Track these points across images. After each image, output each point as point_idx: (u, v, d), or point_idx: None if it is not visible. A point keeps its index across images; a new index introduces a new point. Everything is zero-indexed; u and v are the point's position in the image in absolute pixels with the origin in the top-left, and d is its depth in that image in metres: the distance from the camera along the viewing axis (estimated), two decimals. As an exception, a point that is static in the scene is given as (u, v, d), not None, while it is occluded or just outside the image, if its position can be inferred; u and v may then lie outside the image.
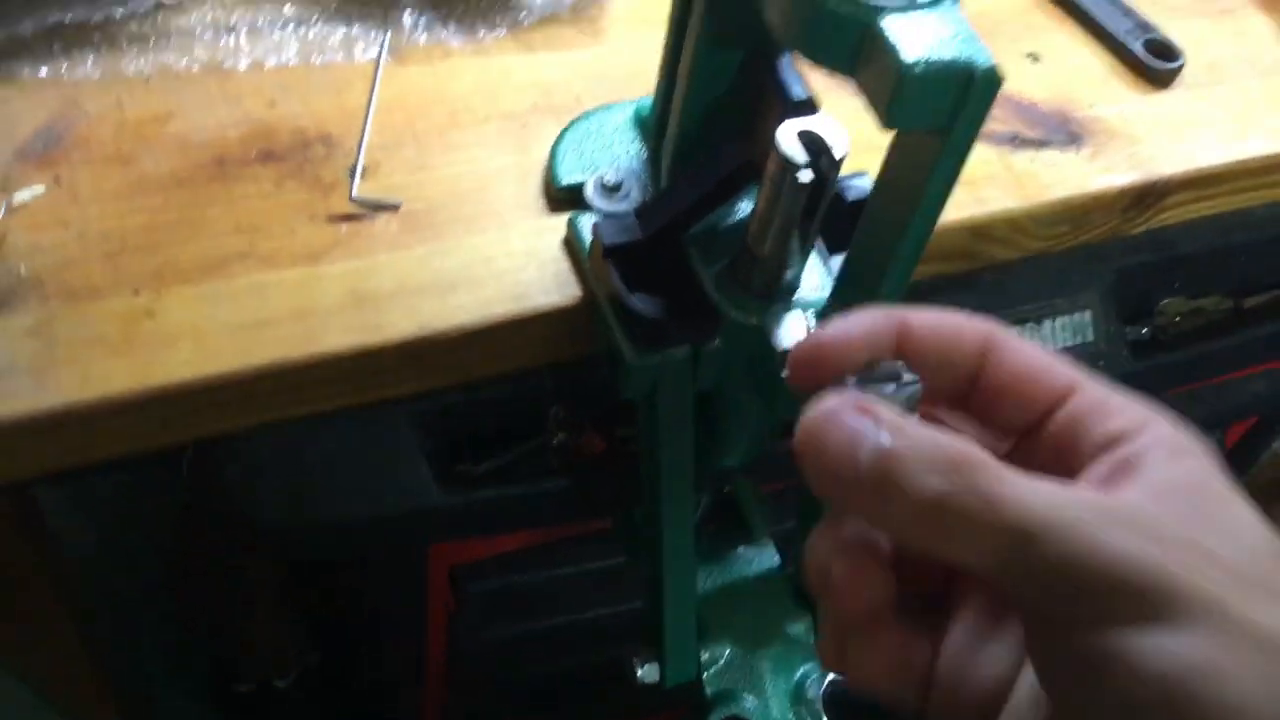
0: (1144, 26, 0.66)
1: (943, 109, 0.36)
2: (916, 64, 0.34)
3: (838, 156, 0.43)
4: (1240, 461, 1.13)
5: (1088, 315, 0.77)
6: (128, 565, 0.78)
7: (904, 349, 0.34)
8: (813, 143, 0.43)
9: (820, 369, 0.34)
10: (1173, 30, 0.67)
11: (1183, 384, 0.87)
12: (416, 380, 0.51)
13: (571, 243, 0.53)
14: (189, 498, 0.70)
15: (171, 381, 0.46)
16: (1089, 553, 0.28)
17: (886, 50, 0.35)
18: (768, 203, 0.45)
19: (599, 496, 0.72)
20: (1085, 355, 0.78)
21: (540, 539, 0.79)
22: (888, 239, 0.42)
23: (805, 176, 0.42)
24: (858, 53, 0.36)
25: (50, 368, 0.45)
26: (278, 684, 0.87)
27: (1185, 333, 0.84)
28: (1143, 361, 0.81)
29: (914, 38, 0.35)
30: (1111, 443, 0.33)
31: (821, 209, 0.45)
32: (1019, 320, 0.76)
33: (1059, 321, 0.77)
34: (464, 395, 0.67)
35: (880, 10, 0.35)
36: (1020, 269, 0.64)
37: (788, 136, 0.43)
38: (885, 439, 0.30)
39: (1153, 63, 0.65)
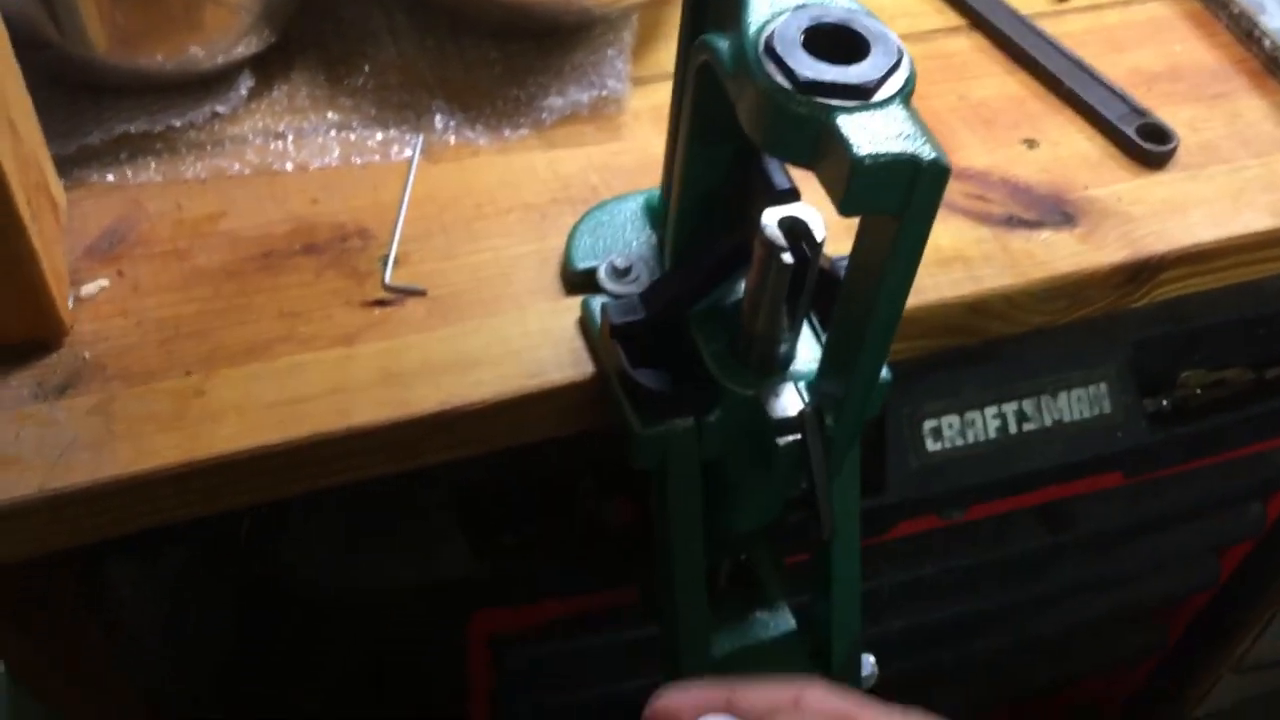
0: (1138, 112, 0.70)
1: (895, 196, 0.39)
2: (867, 157, 0.38)
3: (818, 239, 0.47)
4: (1285, 536, 1.12)
5: (1104, 387, 0.80)
6: (193, 638, 0.82)
7: (733, 709, 0.45)
8: (794, 228, 0.47)
9: None
10: (1167, 114, 0.70)
11: (1206, 455, 0.88)
12: (444, 451, 0.56)
13: (585, 322, 0.57)
14: (247, 573, 0.74)
15: (217, 453, 0.51)
16: None
17: (841, 144, 0.39)
18: (757, 283, 0.49)
19: (628, 564, 0.76)
20: (1102, 427, 0.80)
21: (579, 608, 0.82)
22: (861, 315, 0.45)
23: (788, 259, 0.46)
24: (816, 148, 0.40)
25: (109, 442, 0.50)
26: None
27: (1206, 404, 0.86)
28: (1161, 433, 0.83)
29: (865, 134, 0.39)
30: None
31: (807, 288, 0.48)
32: (1035, 392, 0.79)
33: (1074, 394, 0.79)
34: (497, 467, 0.71)
35: (835, 110, 0.39)
36: (1037, 341, 0.67)
37: (770, 223, 0.47)
38: None
39: (1146, 146, 0.68)
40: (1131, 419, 0.81)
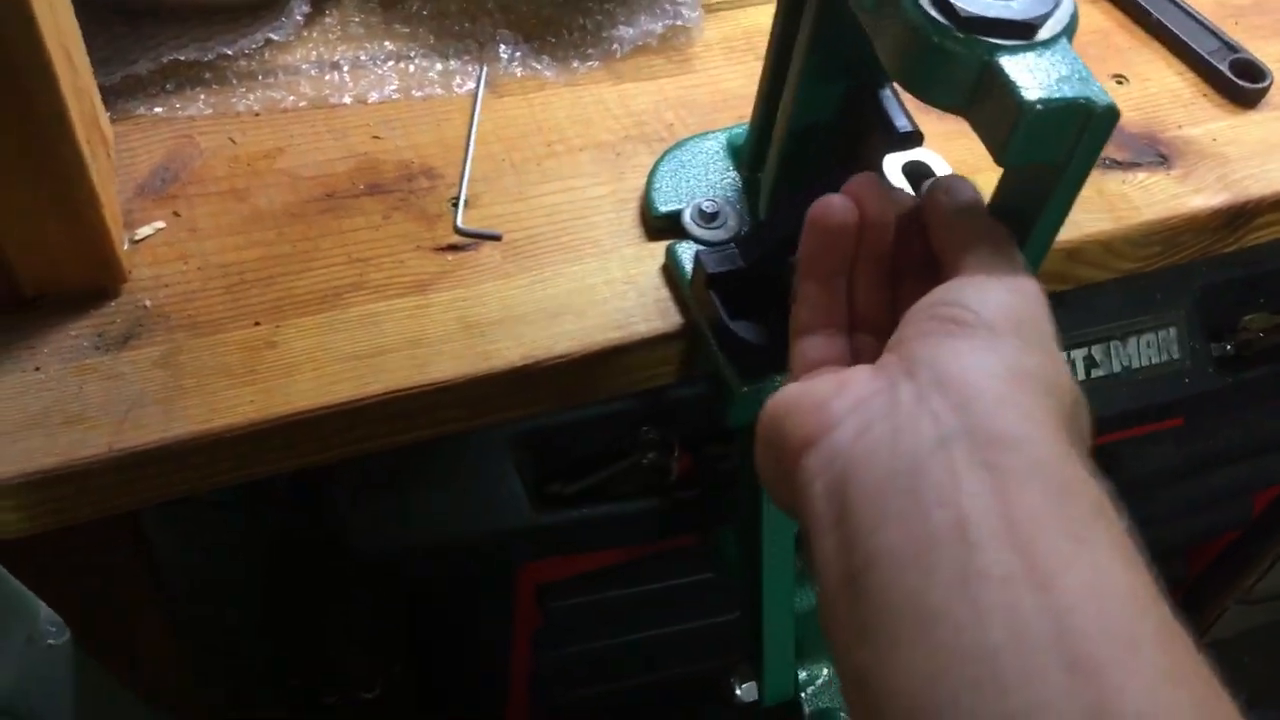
0: (1230, 47, 0.66)
1: (1061, 145, 0.36)
2: (1038, 102, 0.35)
3: None
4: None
5: (1173, 332, 0.77)
6: (227, 588, 0.80)
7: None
8: (917, 174, 0.44)
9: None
10: (1257, 49, 0.67)
11: (1268, 399, 0.87)
12: (524, 405, 0.53)
13: (670, 270, 0.54)
14: (286, 523, 0.72)
15: (295, 410, 0.48)
16: None
17: (1006, 89, 0.35)
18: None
19: (689, 515, 0.73)
20: (1171, 373, 0.78)
21: (626, 557, 0.80)
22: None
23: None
24: (974, 92, 0.37)
25: (178, 397, 0.47)
26: (365, 696, 0.88)
27: (1268, 348, 0.84)
28: (1227, 377, 0.81)
29: (1033, 76, 0.35)
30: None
31: None
32: (1105, 338, 0.76)
33: (1144, 339, 0.77)
34: (558, 417, 0.68)
35: (998, 49, 0.36)
36: (1106, 287, 0.65)
37: (892, 172, 0.43)
38: None
39: (1241, 83, 0.65)
40: (1199, 364, 0.79)
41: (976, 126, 0.38)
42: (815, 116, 0.48)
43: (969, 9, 0.36)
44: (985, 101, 0.37)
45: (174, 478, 0.48)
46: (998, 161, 0.37)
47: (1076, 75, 0.36)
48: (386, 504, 0.66)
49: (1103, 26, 0.68)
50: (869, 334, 0.41)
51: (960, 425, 0.32)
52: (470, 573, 0.74)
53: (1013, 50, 0.36)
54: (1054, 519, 0.31)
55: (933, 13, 0.37)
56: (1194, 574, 1.33)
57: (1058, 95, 0.35)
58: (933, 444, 0.32)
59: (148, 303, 0.50)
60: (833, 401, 0.36)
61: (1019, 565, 0.30)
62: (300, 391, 0.48)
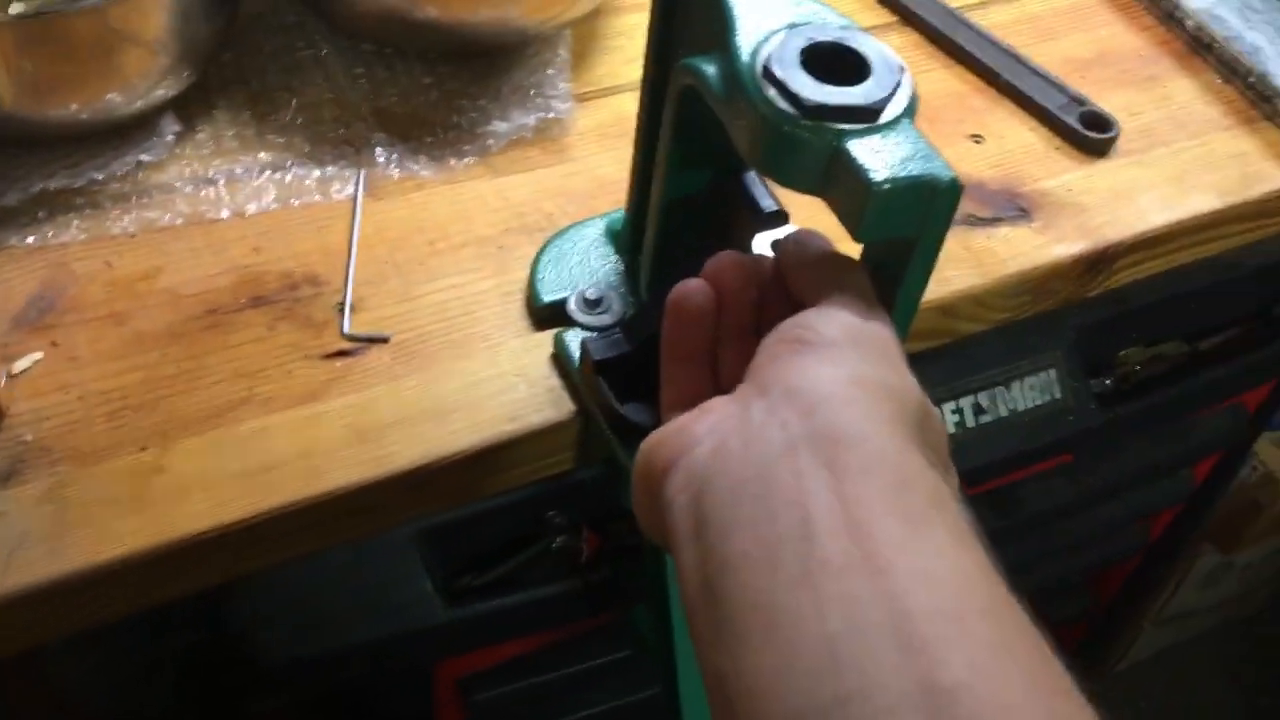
0: (1077, 100, 0.70)
1: (911, 220, 0.38)
2: (885, 182, 0.37)
3: None
4: (1212, 493, 1.16)
5: (1052, 374, 0.80)
6: (136, 708, 0.77)
7: None
8: None
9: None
10: (1103, 100, 0.71)
11: (1151, 428, 0.90)
12: (422, 506, 0.53)
13: (559, 358, 0.55)
14: (192, 640, 0.70)
15: (186, 534, 0.47)
16: None
17: (855, 171, 0.37)
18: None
19: (603, 594, 0.74)
20: (1055, 412, 0.81)
21: (546, 641, 0.79)
22: (868, 338, 0.44)
23: None
24: (826, 175, 0.38)
25: (65, 532, 0.46)
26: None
27: (1147, 379, 0.87)
28: (1110, 411, 0.84)
29: (879, 158, 0.37)
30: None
31: None
32: (988, 385, 0.79)
33: (1026, 382, 0.80)
34: (463, 510, 0.68)
35: (845, 134, 0.38)
36: (984, 336, 0.67)
37: (763, 249, 0.45)
38: None
39: (1089, 134, 0.68)
40: (1081, 401, 0.82)
41: (833, 206, 0.39)
42: (685, 200, 0.50)
43: (814, 98, 0.38)
44: (837, 184, 0.38)
45: (67, 615, 0.47)
46: (854, 239, 0.39)
47: (919, 154, 0.37)
48: (291, 612, 0.65)
49: (958, 90, 0.71)
50: None
51: (805, 429, 0.34)
52: (385, 675, 0.73)
53: (859, 134, 0.38)
54: (891, 509, 0.33)
55: (780, 103, 0.38)
56: (1104, 601, 1.37)
57: (903, 174, 0.37)
58: (780, 449, 0.34)
59: (28, 437, 0.49)
60: (693, 425, 0.38)
61: (857, 554, 0.31)
62: (190, 515, 0.47)
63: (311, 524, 0.50)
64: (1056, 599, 1.22)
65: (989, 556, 0.33)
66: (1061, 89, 0.71)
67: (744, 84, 0.39)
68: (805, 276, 0.41)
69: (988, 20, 0.75)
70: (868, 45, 0.40)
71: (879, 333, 0.39)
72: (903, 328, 0.43)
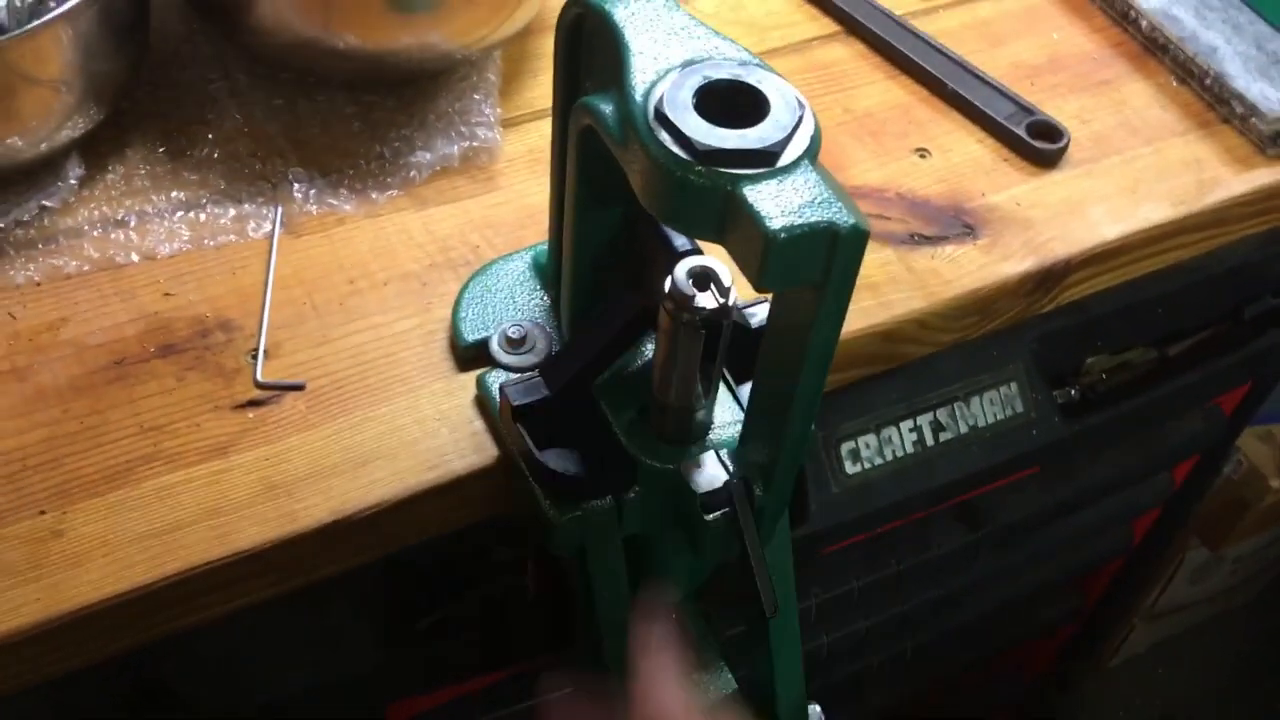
0: (1026, 110, 0.68)
1: (814, 267, 0.36)
2: (781, 231, 0.35)
3: (729, 298, 0.43)
4: (1191, 496, 1.14)
5: (1014, 387, 0.78)
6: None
7: None
8: (702, 279, 0.43)
9: None
10: (1054, 108, 0.68)
11: (1118, 438, 0.88)
12: (338, 562, 0.51)
13: (483, 401, 0.53)
14: (131, 697, 0.68)
15: (84, 603, 0.45)
16: None
17: (751, 219, 0.35)
18: (667, 354, 0.45)
19: (552, 627, 0.72)
20: (1017, 426, 0.78)
21: (497, 678, 0.77)
22: (785, 381, 0.42)
23: (702, 309, 0.42)
24: (723, 221, 0.36)
25: (-45, 606, 0.44)
26: None
27: (1114, 388, 0.85)
28: (1075, 424, 0.82)
29: (776, 204, 0.35)
30: None
31: (722, 348, 0.45)
32: (948, 400, 0.77)
33: (987, 396, 0.77)
34: (403, 551, 0.66)
35: (740, 180, 0.36)
36: (944, 352, 0.65)
37: (677, 280, 0.43)
38: None
39: (1038, 144, 0.66)
40: (1044, 414, 0.79)
41: (733, 255, 0.37)
42: (599, 238, 0.48)
43: (706, 142, 0.36)
44: (735, 231, 0.36)
45: (-41, 691, 0.45)
46: (755, 288, 0.37)
47: (819, 199, 0.35)
48: (226, 665, 0.63)
49: (903, 101, 0.69)
50: None
51: None
52: (331, 720, 0.71)
53: (754, 180, 0.36)
54: None
55: (673, 148, 0.36)
56: (1094, 599, 1.35)
57: (801, 221, 0.35)
58: None
59: (-80, 504, 0.47)
60: None
61: None
62: (89, 582, 0.45)
63: (220, 585, 0.48)
64: (1045, 601, 1.21)
65: None
66: (1010, 98, 0.68)
67: (637, 128, 0.37)
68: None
69: (935, 26, 0.73)
70: (767, 82, 0.38)
71: None
72: (819, 377, 0.41)
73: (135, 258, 0.56)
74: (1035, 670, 1.45)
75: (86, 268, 0.55)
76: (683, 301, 0.42)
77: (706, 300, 0.42)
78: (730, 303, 0.42)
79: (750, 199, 0.35)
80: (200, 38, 0.64)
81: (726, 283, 0.43)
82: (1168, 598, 1.52)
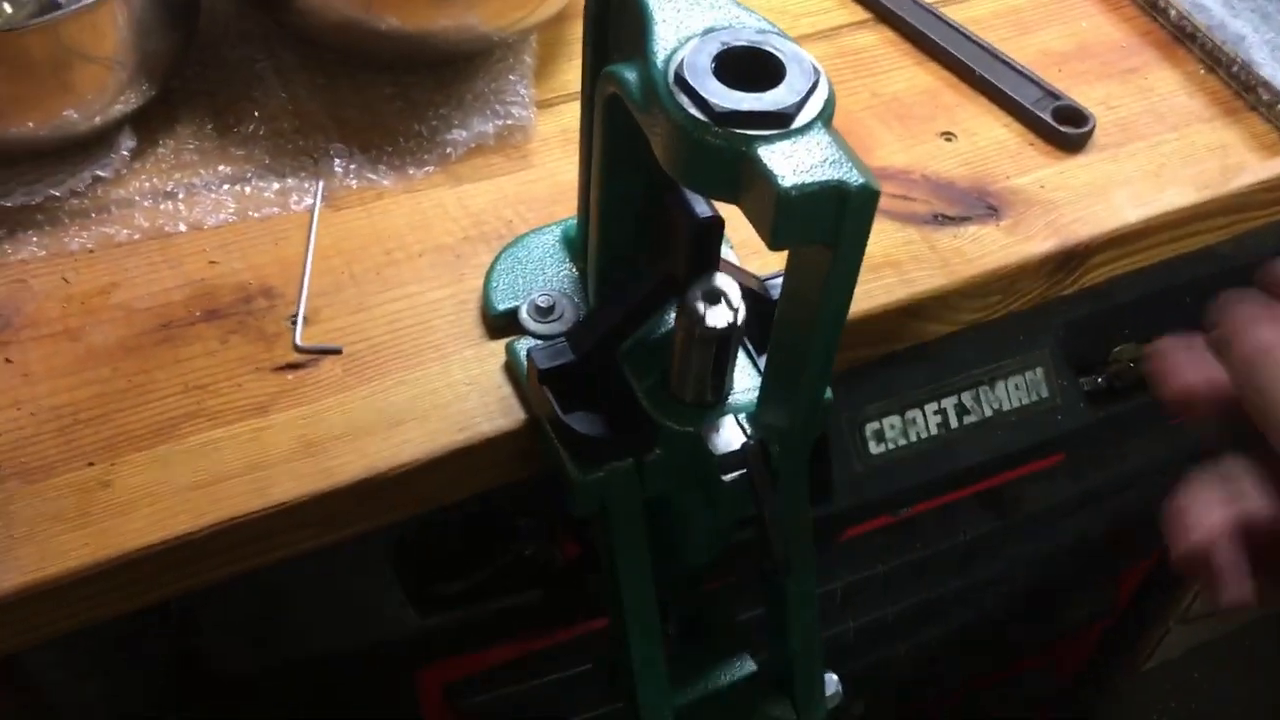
0: (1052, 95, 0.69)
1: (825, 226, 0.37)
2: (793, 188, 0.36)
3: (737, 318, 0.45)
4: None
5: (1039, 372, 0.79)
6: (119, 714, 0.78)
7: None
8: (713, 296, 0.45)
9: None
10: (1081, 94, 0.69)
11: (1144, 427, 0.88)
12: (374, 517, 0.53)
13: (512, 367, 0.54)
14: (177, 648, 0.70)
15: (129, 549, 0.47)
16: None
17: (764, 177, 0.37)
18: (682, 356, 0.47)
19: (584, 599, 0.73)
20: (1042, 411, 0.79)
21: (530, 647, 0.79)
22: (799, 342, 0.43)
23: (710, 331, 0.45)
24: (738, 182, 0.38)
25: (10, 548, 0.47)
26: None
27: (1141, 377, 0.85)
28: (1100, 411, 0.82)
29: (788, 163, 0.37)
30: None
31: (731, 354, 0.47)
32: (973, 384, 0.78)
33: (1012, 381, 0.78)
34: (432, 517, 0.68)
35: (754, 140, 0.37)
36: (968, 335, 0.66)
37: (690, 299, 0.45)
38: None
39: (1064, 129, 0.67)
40: (1069, 401, 0.80)
41: (748, 215, 0.39)
42: (623, 209, 0.49)
43: (723, 104, 0.37)
44: (750, 191, 0.38)
45: (11, 630, 0.47)
46: (769, 247, 0.38)
47: (830, 159, 0.37)
48: (258, 624, 0.65)
49: (930, 86, 0.70)
50: None
51: None
52: (361, 684, 0.73)
53: (769, 140, 0.37)
54: None
55: (692, 110, 0.38)
56: (1127, 598, 1.34)
57: (811, 180, 0.36)
58: None
59: (-22, 454, 0.50)
60: None
61: None
62: (135, 530, 0.48)
63: (258, 537, 0.50)
64: (1076, 596, 1.20)
65: None
66: (1037, 83, 0.69)
67: (658, 92, 0.39)
68: None
69: (966, 14, 0.74)
70: (784, 49, 0.39)
71: None
72: (830, 341, 0.43)
73: (183, 227, 0.59)
74: (1068, 670, 1.45)
75: (137, 236, 0.58)
76: (695, 318, 0.45)
77: (717, 318, 0.45)
78: (738, 322, 0.45)
79: (764, 158, 0.37)
80: (248, 19, 0.66)
81: (736, 302, 0.45)
82: (1203, 601, 1.51)
